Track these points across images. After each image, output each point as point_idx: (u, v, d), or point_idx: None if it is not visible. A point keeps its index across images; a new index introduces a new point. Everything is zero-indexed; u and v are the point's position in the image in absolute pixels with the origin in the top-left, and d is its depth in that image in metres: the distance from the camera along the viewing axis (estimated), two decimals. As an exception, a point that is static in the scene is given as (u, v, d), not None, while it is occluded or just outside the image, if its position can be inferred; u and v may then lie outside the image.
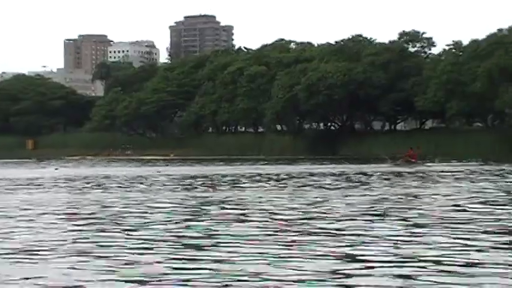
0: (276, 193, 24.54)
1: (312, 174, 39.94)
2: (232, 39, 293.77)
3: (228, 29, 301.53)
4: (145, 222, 15.76)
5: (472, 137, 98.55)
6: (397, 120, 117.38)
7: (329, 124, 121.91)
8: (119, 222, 16.04)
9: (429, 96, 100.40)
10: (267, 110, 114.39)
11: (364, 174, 39.26)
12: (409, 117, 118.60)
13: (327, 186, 29.27)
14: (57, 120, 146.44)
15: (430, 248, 11.51)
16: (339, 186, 29.26)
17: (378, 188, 27.49)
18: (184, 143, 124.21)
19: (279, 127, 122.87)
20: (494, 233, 13.67)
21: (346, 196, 22.22)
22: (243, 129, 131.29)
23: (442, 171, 41.72)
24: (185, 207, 19.44)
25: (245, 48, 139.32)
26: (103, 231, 14.49)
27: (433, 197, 22.16)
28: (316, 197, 22.73)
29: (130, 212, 18.27)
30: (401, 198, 21.98)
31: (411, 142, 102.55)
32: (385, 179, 33.80)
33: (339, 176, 37.60)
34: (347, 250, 11.33)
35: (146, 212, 18.28)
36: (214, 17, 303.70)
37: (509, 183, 29.36)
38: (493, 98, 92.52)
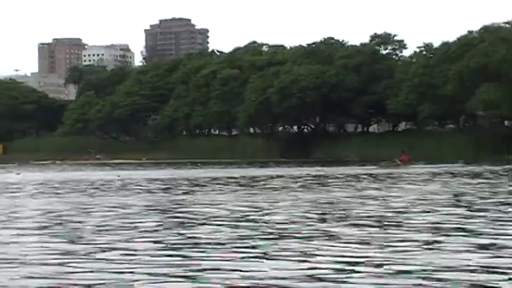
0: (222, 197, 24.24)
1: (272, 177, 39.75)
2: (208, 42, 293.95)
3: (204, 32, 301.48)
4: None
5: (445, 139, 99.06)
6: (370, 122, 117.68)
7: (302, 127, 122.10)
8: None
9: (401, 99, 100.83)
10: (240, 113, 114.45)
11: (327, 176, 39.08)
12: (383, 120, 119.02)
13: (280, 188, 29.09)
14: (30, 125, 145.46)
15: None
16: (294, 188, 29.04)
17: (335, 190, 27.27)
18: (158, 147, 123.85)
19: (252, 130, 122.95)
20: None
21: (296, 199, 21.94)
22: (217, 132, 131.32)
23: (419, 174, 41.74)
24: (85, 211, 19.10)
25: (218, 51, 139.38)
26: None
27: (384, 198, 21.98)
28: (257, 201, 22.49)
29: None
30: (352, 200, 21.79)
31: (384, 144, 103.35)
32: (350, 181, 33.67)
33: (299, 178, 37.41)
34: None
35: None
36: (189, 20, 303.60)
37: (475, 186, 29.21)
38: (464, 100, 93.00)
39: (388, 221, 15.09)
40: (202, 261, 10.26)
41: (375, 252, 10.69)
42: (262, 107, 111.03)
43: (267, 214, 17.03)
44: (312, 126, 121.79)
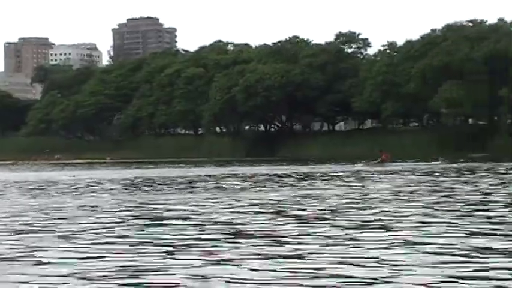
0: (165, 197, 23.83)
1: (229, 176, 39.36)
2: (176, 42, 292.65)
3: (172, 31, 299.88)
4: None
5: (409, 136, 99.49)
6: (335, 121, 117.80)
7: (268, 126, 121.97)
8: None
9: (365, 97, 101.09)
10: (205, 111, 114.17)
11: (280, 175, 38.78)
12: (349, 118, 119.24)
13: (228, 187, 28.76)
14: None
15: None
16: (242, 187, 28.71)
17: (281, 189, 26.95)
18: (122, 146, 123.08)
19: (218, 129, 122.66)
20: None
21: (238, 199, 21.60)
22: (183, 131, 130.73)
23: (382, 172, 41.58)
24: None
25: (184, 50, 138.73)
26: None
27: (326, 197, 21.71)
28: (206, 198, 22.13)
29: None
30: (295, 198, 21.51)
31: (349, 143, 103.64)
32: (301, 180, 33.38)
33: (249, 178, 37.05)
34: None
35: None
36: (157, 19, 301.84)
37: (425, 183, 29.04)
38: (427, 98, 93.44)
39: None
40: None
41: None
42: (228, 105, 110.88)
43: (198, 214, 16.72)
44: (278, 125, 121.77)
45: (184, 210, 18.32)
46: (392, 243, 11.40)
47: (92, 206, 20.17)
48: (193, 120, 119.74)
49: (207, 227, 14.36)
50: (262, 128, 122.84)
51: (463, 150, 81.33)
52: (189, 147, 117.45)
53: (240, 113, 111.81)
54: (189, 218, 16.14)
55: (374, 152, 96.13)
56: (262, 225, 14.48)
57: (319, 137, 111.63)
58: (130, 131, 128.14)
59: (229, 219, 15.64)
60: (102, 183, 34.10)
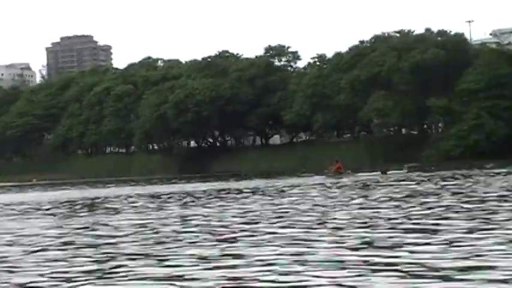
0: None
1: (130, 196, 37.78)
2: (112, 59, 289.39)
3: (107, 49, 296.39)
4: None
5: (341, 148, 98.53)
6: (267, 135, 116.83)
7: (201, 141, 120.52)
8: None
9: (295, 109, 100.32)
10: (136, 129, 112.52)
11: (191, 195, 37.16)
12: (282, 131, 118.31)
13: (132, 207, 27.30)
14: None
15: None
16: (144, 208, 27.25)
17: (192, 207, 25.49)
18: (53, 167, 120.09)
19: (150, 146, 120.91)
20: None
21: (136, 222, 20.09)
22: (117, 149, 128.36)
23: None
24: None
25: (114, 68, 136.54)
26: None
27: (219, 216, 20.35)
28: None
29: None
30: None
31: (282, 156, 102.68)
32: (216, 198, 31.95)
33: (160, 196, 35.53)
34: None
35: None
36: (91, 36, 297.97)
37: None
38: (357, 110, 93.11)
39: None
40: None
41: None
42: (159, 122, 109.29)
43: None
44: (211, 141, 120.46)
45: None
46: None
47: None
48: (124, 138, 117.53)
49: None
50: (194, 143, 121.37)
51: (394, 160, 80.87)
52: (120, 166, 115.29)
53: (172, 130, 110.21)
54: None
55: (305, 164, 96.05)
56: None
57: (251, 152, 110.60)
58: (61, 151, 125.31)
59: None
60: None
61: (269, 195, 30.85)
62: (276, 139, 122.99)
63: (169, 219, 20.62)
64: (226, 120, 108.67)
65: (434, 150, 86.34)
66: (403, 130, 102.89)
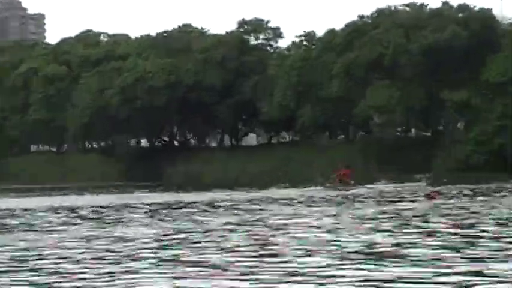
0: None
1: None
2: (45, 31, 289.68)
3: (38, 18, 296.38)
4: None
5: (330, 151, 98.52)
6: (240, 133, 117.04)
7: (154, 140, 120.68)
8: None
9: (276, 101, 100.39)
10: (70, 122, 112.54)
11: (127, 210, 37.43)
12: (256, 129, 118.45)
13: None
14: None
15: None
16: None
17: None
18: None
19: (87, 144, 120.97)
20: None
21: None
22: (45, 147, 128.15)
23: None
24: None
25: (43, 42, 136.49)
26: None
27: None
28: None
29: None
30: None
31: (257, 160, 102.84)
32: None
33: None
34: None
35: None
36: (19, 2, 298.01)
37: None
38: (352, 106, 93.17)
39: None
40: None
41: None
42: (99, 113, 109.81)
43: None
44: (167, 139, 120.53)
45: None
46: None
47: None
48: (55, 133, 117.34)
49: None
50: (146, 142, 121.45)
51: (401, 170, 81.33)
52: (49, 169, 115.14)
53: (116, 124, 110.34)
54: None
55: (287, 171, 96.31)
56: None
57: (219, 153, 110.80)
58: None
59: None
60: None
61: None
62: (250, 139, 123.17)
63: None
64: (187, 113, 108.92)
65: (448, 157, 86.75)
66: (413, 130, 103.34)
